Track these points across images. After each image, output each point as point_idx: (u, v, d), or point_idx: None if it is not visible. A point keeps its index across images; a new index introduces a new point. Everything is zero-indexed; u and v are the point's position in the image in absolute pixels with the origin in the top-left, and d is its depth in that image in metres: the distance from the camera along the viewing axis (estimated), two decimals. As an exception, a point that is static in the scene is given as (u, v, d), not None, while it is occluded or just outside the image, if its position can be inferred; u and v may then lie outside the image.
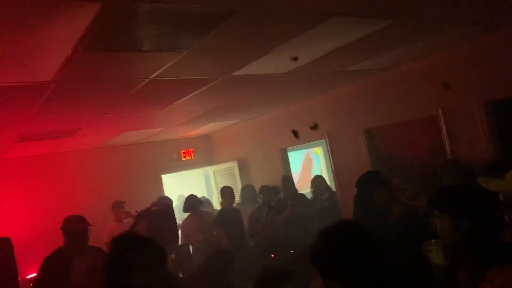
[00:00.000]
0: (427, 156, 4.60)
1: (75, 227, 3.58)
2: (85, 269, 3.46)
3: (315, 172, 9.17)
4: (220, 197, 6.26)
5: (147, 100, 4.23)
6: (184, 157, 7.90)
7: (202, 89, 4.09)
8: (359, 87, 5.15)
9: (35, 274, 3.90)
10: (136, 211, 4.69)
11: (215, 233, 5.76)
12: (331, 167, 5.80)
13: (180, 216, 6.87)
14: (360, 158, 5.20)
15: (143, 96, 3.99)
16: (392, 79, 4.76)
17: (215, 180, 8.16)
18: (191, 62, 3.16)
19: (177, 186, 9.78)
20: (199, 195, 7.39)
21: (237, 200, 6.71)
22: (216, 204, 7.34)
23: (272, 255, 5.17)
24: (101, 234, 5.15)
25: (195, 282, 3.98)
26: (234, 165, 7.57)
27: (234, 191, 6.22)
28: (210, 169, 8.37)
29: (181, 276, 5.35)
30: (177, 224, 5.52)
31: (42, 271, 3.44)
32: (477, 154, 3.95)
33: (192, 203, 5.89)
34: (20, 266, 4.70)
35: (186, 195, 6.32)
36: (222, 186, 6.35)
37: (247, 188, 6.67)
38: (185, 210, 5.90)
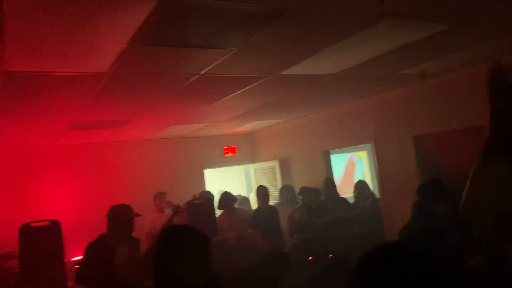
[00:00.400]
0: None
1: (121, 216, 3.66)
2: (126, 258, 3.54)
3: (357, 176, 9.00)
4: (256, 196, 6.27)
5: (195, 96, 4.30)
6: (227, 153, 7.97)
7: (249, 86, 4.11)
8: (409, 91, 4.99)
9: (80, 257, 4.04)
10: (174, 204, 4.75)
11: (249, 231, 5.76)
12: (376, 172, 5.66)
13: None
14: (407, 165, 5.04)
15: (192, 92, 4.05)
16: (444, 85, 4.59)
17: (256, 178, 8.19)
18: (240, 60, 3.18)
19: (218, 182, 9.90)
20: (238, 192, 7.47)
21: (276, 200, 6.70)
22: (254, 203, 7.36)
23: (310, 258, 5.12)
24: (142, 224, 5.29)
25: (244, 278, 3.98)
26: (275, 164, 7.56)
27: (275, 191, 6.19)
28: (251, 167, 8.40)
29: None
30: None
31: (87, 254, 3.56)
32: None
33: (226, 200, 5.91)
34: (67, 248, 4.93)
35: (226, 190, 6.36)
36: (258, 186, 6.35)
37: (286, 188, 6.64)
38: (220, 207, 5.94)
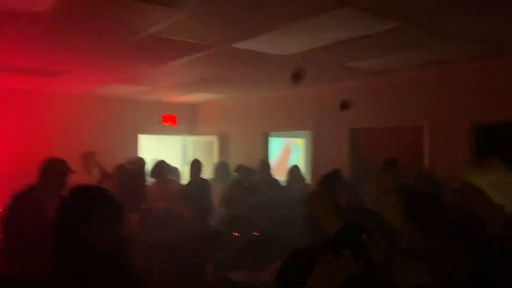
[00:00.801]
0: (405, 165, 4.65)
1: (55, 170, 3.49)
2: (52, 213, 3.37)
3: (292, 162, 9.19)
4: (189, 169, 6.19)
5: (140, 56, 4.13)
6: (166, 121, 7.79)
7: (198, 55, 4.01)
8: (353, 85, 5.14)
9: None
10: (103, 168, 4.60)
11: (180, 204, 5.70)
12: (312, 159, 5.81)
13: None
14: (341, 155, 5.22)
15: (137, 51, 3.89)
16: (386, 84, 4.77)
17: (193, 152, 8.10)
18: (191, 23, 3.08)
19: (154, 150, 9.69)
20: (173, 163, 7.36)
21: (211, 175, 6.67)
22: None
23: (235, 233, 5.17)
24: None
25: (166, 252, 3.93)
26: (214, 139, 7.52)
27: (211, 166, 6.17)
28: (189, 140, 8.29)
29: (142, 239, 5.34)
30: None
31: (11, 208, 3.33)
32: (454, 172, 4.00)
33: (160, 169, 5.80)
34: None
35: (162, 159, 6.21)
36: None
37: (221, 165, 6.62)
38: (152, 175, 5.82)
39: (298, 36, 3.38)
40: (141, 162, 6.00)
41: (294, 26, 3.09)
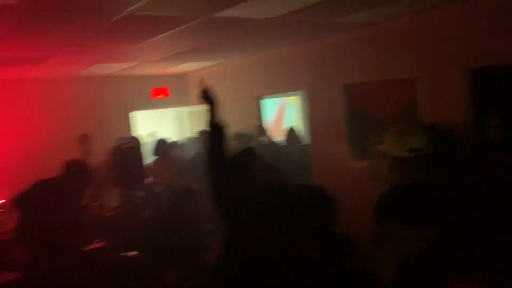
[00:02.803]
0: (401, 117, 4.62)
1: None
2: None
3: (288, 121, 9.16)
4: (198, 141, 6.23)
5: (122, 34, 4.00)
6: (158, 95, 7.68)
7: (180, 27, 3.89)
8: (342, 41, 5.03)
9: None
10: None
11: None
12: (308, 119, 5.78)
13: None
14: (337, 112, 5.19)
15: (117, 30, 3.75)
16: (376, 36, 4.67)
17: (189, 122, 8.05)
18: (171, -2, 2.97)
19: (149, 124, 9.63)
20: (171, 135, 7.35)
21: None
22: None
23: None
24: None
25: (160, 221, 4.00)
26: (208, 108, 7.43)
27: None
28: (184, 110, 8.22)
29: (147, 215, 5.40)
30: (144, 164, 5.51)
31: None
32: (451, 121, 3.98)
33: (161, 147, 5.88)
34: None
35: (157, 133, 6.25)
36: (199, 130, 6.29)
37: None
38: (155, 153, 5.87)
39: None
40: (135, 140, 5.98)
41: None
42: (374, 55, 4.72)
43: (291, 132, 6.29)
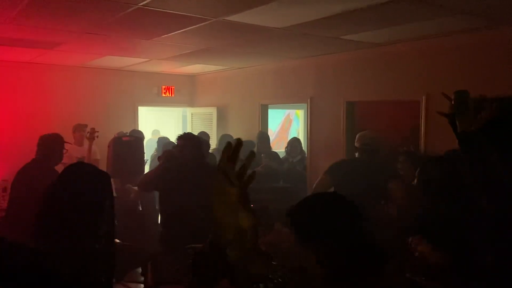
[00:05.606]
0: (403, 140, 4.62)
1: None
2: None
3: (292, 133, 9.20)
4: None
5: (134, 28, 4.06)
6: (164, 93, 7.75)
7: (192, 27, 3.94)
8: (350, 58, 5.07)
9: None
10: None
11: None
12: (308, 132, 5.80)
13: (151, 150, 6.89)
14: (336, 128, 5.21)
15: (130, 23, 3.82)
16: (384, 56, 4.70)
17: (192, 123, 8.10)
18: (183, -4, 3.02)
19: (153, 121, 9.70)
20: (173, 134, 7.38)
21: (213, 146, 6.70)
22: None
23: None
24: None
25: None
26: (213, 111, 7.49)
27: (210, 137, 6.20)
28: (188, 111, 8.27)
29: (141, 209, 5.42)
30: (145, 159, 5.53)
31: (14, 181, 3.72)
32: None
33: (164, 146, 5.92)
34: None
35: (160, 130, 6.27)
36: (199, 132, 6.30)
37: (225, 138, 6.64)
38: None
39: (294, 9, 3.31)
40: (138, 134, 6.02)
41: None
42: (378, 75, 4.75)
43: (294, 142, 6.30)
